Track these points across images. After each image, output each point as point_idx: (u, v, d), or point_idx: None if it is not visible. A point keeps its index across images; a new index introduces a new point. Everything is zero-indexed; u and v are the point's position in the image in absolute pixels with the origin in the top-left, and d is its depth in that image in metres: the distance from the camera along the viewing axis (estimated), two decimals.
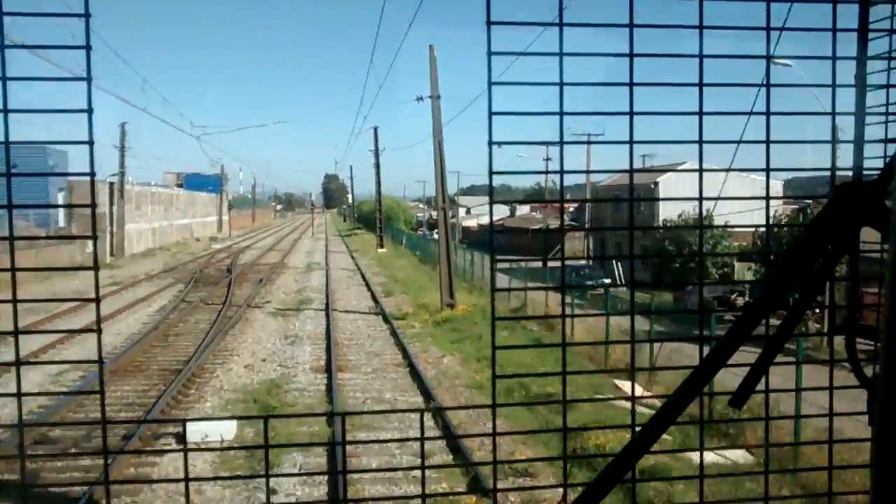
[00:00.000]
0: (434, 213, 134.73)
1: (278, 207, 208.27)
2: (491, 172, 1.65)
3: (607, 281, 38.00)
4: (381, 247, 52.01)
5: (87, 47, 1.45)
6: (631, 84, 1.58)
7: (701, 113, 1.62)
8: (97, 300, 1.59)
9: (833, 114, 1.67)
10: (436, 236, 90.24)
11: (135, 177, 60.03)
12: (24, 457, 1.77)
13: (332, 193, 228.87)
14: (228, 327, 20.03)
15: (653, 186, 41.35)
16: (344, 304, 25.03)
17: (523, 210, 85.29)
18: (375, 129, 51.20)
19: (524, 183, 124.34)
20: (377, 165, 51.79)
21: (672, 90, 1.73)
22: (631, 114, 1.59)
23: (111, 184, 49.78)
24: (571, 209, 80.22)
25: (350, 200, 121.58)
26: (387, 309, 23.25)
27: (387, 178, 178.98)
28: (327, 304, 24.40)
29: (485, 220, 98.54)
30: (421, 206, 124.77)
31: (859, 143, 1.55)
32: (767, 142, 1.66)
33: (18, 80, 1.51)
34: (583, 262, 55.69)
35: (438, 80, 22.07)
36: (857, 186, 1.20)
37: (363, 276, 33.87)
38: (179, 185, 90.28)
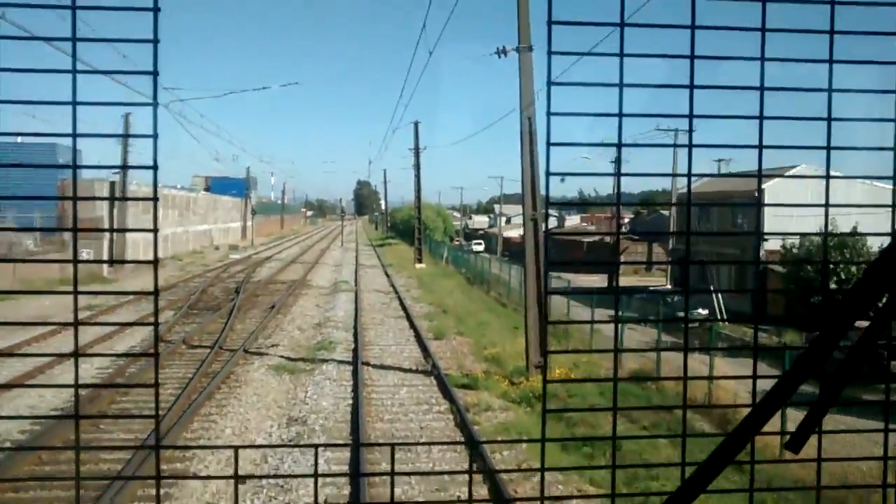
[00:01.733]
0: (470, 222, 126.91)
1: (309, 214, 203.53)
2: (548, 174, 1.61)
3: (703, 312, 30.39)
4: (420, 261, 44.85)
5: (155, 41, 1.45)
6: (692, 87, 1.55)
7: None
8: (156, 293, 1.55)
9: None
10: (475, 248, 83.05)
11: (163, 180, 54.47)
12: (79, 449, 1.58)
13: (364, 200, 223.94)
14: (203, 399, 12.95)
15: (757, 194, 33.63)
16: (379, 354, 17.79)
17: (573, 221, 77.60)
18: (416, 125, 44.20)
19: (568, 192, 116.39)
20: (417, 166, 44.66)
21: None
22: (690, 116, 1.58)
23: (112, 183, 43.29)
24: (626, 220, 72.48)
25: (383, 207, 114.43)
26: (442, 364, 16.00)
27: (423, 184, 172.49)
28: (356, 353, 17.21)
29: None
30: (455, 213, 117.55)
31: None
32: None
33: (89, 73, 1.65)
34: (659, 284, 48.15)
35: (530, 28, 14.83)
36: None
37: (402, 303, 26.61)
38: (207, 190, 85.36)
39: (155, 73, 1.47)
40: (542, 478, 1.69)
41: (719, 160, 55.96)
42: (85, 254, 37.48)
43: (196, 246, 62.78)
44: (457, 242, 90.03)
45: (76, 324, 1.57)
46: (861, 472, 8.37)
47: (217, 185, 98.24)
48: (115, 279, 38.61)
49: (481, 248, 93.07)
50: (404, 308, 25.29)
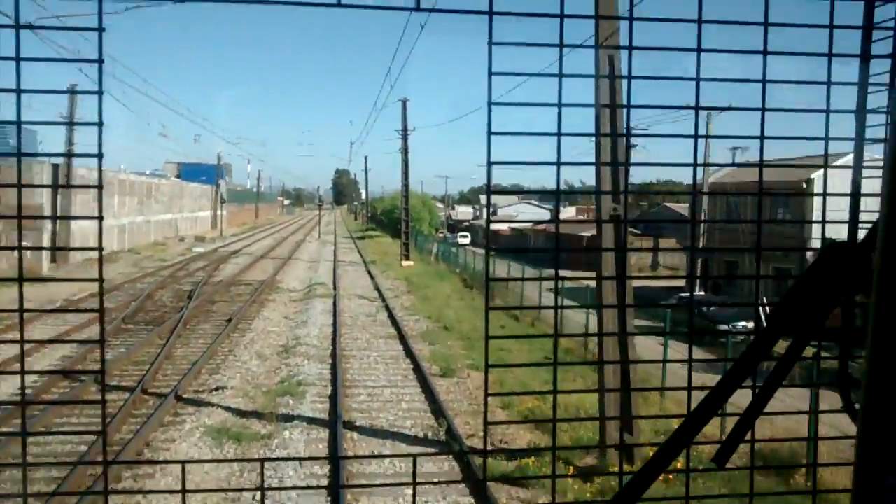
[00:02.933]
0: (453, 213, 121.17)
1: (286, 203, 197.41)
2: (490, 163, 1.64)
3: (748, 325, 25.58)
4: (407, 258, 39.65)
5: (100, 61, 1.46)
6: (629, 106, 1.67)
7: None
8: (100, 280, 1.58)
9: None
10: (460, 240, 77.86)
11: (134, 166, 49.58)
12: (26, 434, 1.59)
13: (343, 189, 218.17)
14: None
15: (805, 185, 28.93)
16: (367, 404, 12.58)
17: (567, 213, 72.52)
18: (404, 103, 38.84)
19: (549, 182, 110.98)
20: (405, 149, 39.29)
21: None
22: (628, 136, 1.83)
23: (55, 166, 37.66)
24: (638, 213, 67.64)
25: (363, 196, 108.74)
26: (463, 429, 10.94)
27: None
28: (333, 403, 12.08)
29: (518, 222, 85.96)
30: (439, 204, 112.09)
31: (859, 142, 1.61)
32: None
33: (33, 60, 1.52)
34: (692, 291, 43.22)
35: None
36: (843, 248, 1.22)
37: (392, 316, 21.43)
38: (178, 177, 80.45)
39: (100, 93, 1.47)
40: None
41: (734, 148, 51.42)
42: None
43: (159, 237, 57.10)
44: (440, 234, 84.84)
45: (21, 311, 1.54)
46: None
47: (188, 172, 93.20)
48: (58, 275, 33.12)
49: (467, 240, 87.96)
50: (395, 323, 20.12)
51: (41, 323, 18.49)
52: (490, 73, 1.51)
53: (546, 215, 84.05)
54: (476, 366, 15.34)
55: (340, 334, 18.23)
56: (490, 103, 1.55)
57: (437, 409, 11.87)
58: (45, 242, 35.70)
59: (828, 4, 1.56)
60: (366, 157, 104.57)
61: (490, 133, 1.57)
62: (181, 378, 13.39)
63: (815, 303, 1.22)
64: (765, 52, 1.59)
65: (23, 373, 1.57)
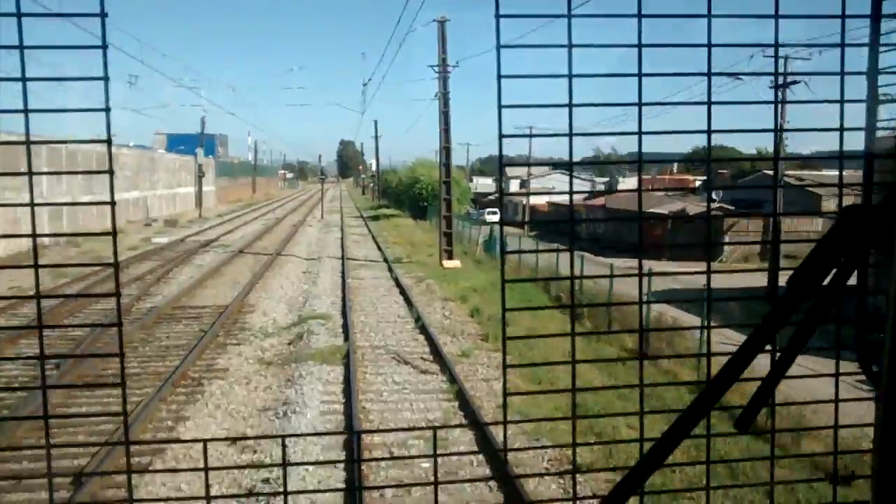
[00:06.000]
0: (472, 186, 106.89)
1: (288, 176, 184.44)
2: (501, 136, 1.64)
3: None
4: (450, 255, 26.81)
5: (104, 47, 1.44)
6: (640, 75, 1.58)
7: (709, 103, 1.63)
8: (116, 265, 1.61)
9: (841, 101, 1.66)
10: (489, 217, 64.38)
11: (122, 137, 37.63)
12: (48, 418, 1.62)
13: (348, 161, 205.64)
14: None
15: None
16: None
17: (628, 183, 59.27)
18: (441, 25, 25.68)
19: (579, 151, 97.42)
20: (443, 96, 26.06)
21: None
22: (640, 104, 1.60)
23: None
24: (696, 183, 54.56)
25: (373, 168, 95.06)
26: None
27: (414, 143, 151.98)
28: None
29: (556, 196, 72.62)
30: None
31: (870, 129, 1.60)
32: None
33: (36, 16, 1.56)
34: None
35: None
36: (862, 210, 1.21)
37: (482, 429, 8.92)
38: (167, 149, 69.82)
39: (104, 47, 1.43)
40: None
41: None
42: None
43: (121, 221, 44.58)
44: (465, 211, 71.91)
45: (38, 297, 1.55)
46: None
47: (175, 142, 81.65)
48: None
49: (496, 217, 75.17)
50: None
51: None
52: (498, 47, 1.53)
53: (587, 187, 70.94)
54: None
55: None
56: (500, 76, 1.53)
57: None
58: None
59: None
60: (375, 122, 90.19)
61: (500, 106, 1.56)
62: None
63: (835, 266, 1.22)
64: (776, 16, 1.59)
65: (42, 357, 1.60)
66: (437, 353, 13.39)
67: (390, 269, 24.63)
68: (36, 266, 1.52)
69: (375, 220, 53.48)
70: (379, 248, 31.68)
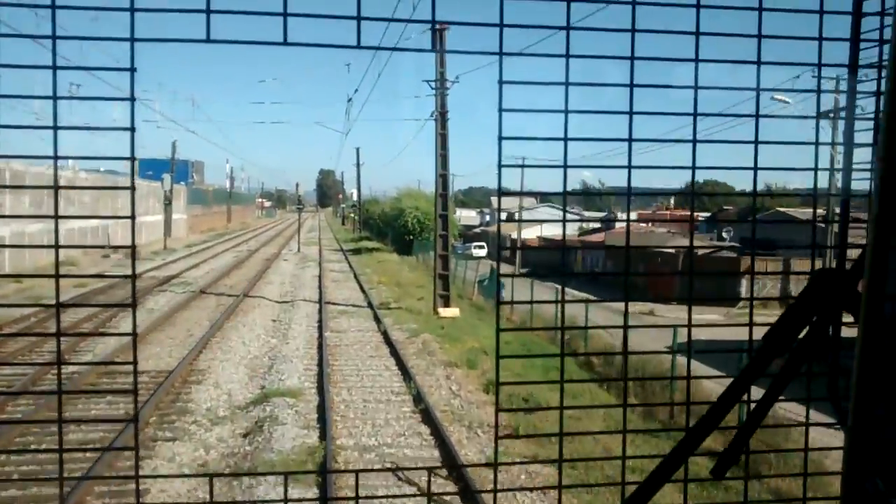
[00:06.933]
0: (455, 218, 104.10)
1: (266, 204, 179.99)
2: (500, 165, 1.68)
3: None
4: (446, 304, 22.83)
5: (132, 70, 1.50)
6: (631, 112, 1.62)
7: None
8: (133, 277, 1.64)
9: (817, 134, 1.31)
10: (475, 252, 59.63)
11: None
12: (61, 422, 1.61)
13: (327, 190, 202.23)
14: None
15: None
16: None
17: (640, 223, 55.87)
18: (438, 33, 22.10)
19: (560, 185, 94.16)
20: (441, 114, 22.30)
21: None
22: (630, 140, 1.64)
23: None
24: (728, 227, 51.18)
25: (353, 198, 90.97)
26: None
27: (396, 173, 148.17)
28: None
29: (547, 230, 68.85)
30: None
31: (849, 148, 1.63)
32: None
33: (69, 69, 1.66)
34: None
35: None
36: (833, 274, 1.25)
37: None
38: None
39: (132, 70, 1.49)
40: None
41: None
42: None
43: (78, 252, 40.25)
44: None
45: (57, 305, 1.57)
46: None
47: (147, 167, 77.45)
48: None
49: (483, 252, 71.39)
50: None
51: None
52: (501, 82, 1.56)
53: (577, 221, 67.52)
54: None
55: None
56: (501, 110, 1.58)
57: None
58: None
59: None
60: (357, 149, 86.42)
61: (501, 138, 1.59)
62: None
63: (807, 324, 1.26)
64: (758, 63, 1.63)
65: (59, 363, 1.61)
66: (450, 456, 9.43)
67: (377, 319, 20.62)
68: (57, 276, 1.56)
69: (357, 253, 49.46)
70: (362, 290, 27.63)
